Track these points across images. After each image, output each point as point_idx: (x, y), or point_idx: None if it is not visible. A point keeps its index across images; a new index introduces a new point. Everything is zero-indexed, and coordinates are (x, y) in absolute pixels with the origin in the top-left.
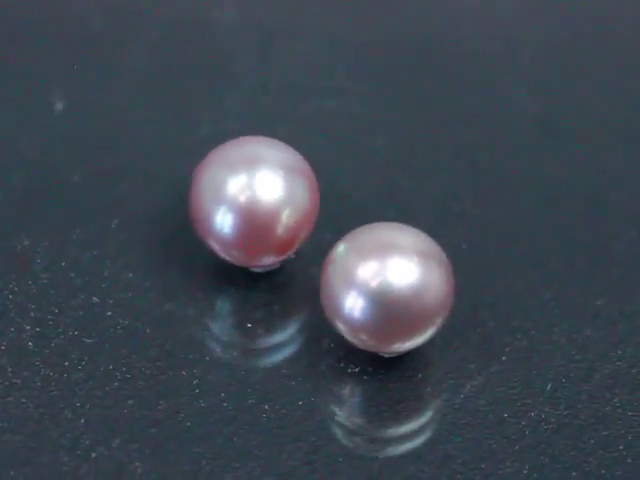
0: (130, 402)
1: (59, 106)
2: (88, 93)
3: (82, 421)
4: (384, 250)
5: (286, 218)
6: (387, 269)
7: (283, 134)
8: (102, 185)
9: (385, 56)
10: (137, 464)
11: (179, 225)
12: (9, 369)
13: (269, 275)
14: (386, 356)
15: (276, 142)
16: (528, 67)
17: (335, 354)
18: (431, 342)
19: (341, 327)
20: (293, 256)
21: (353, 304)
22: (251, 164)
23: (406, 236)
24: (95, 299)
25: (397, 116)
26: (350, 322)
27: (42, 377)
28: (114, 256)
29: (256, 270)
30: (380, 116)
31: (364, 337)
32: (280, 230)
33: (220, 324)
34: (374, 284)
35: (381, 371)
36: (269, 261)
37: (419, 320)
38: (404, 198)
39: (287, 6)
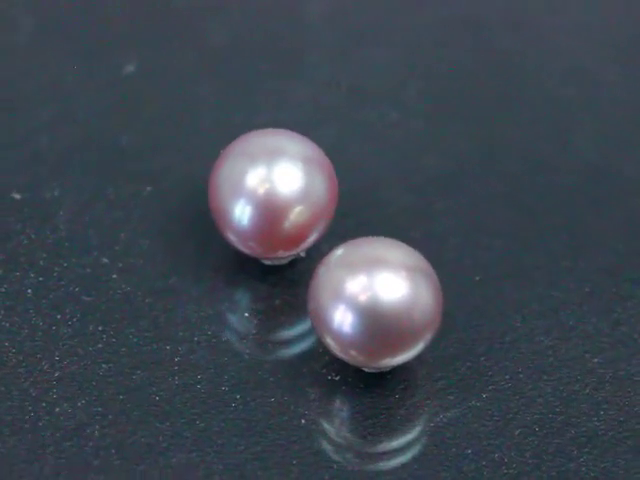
0: (107, 366)
1: (129, 68)
2: (159, 62)
3: (56, 375)
4: (373, 265)
5: (303, 211)
6: (376, 284)
7: (334, 135)
8: (146, 152)
9: (458, 79)
10: (96, 427)
11: (206, 207)
12: (2, 311)
13: (280, 269)
14: (367, 370)
15: (296, 135)
16: (599, 116)
17: (321, 360)
18: (419, 361)
19: (330, 343)
20: (303, 254)
21: (342, 320)
22: (270, 156)
23: (395, 251)
24: (105, 260)
25: (452, 139)
26: (340, 338)
27: (31, 325)
28: (135, 222)
29: (267, 262)
30: (436, 136)
31: (354, 353)
32: (297, 223)
33: (218, 309)
34: (363, 299)
35: (360, 385)
36: (285, 254)
37: (409, 335)
38: (434, 220)
39: (376, 13)
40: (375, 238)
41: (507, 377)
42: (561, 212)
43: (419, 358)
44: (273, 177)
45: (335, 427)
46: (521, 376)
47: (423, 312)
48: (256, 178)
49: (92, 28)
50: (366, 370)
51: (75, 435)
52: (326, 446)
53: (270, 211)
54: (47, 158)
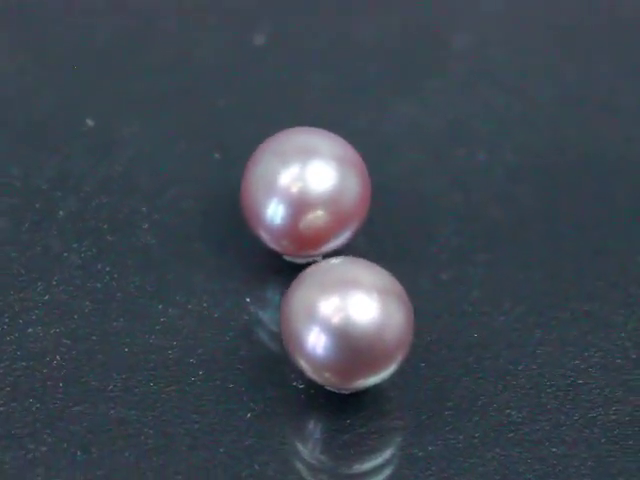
0: (94, 305)
1: (259, 40)
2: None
3: (45, 297)
4: (345, 286)
5: (336, 210)
6: (349, 305)
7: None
8: (229, 121)
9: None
10: (57, 358)
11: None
12: (27, 225)
13: (298, 267)
14: (340, 392)
15: (329, 133)
16: None
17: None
18: (391, 382)
19: (304, 365)
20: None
21: (316, 341)
22: (304, 155)
23: (367, 273)
24: (144, 208)
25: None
26: (313, 360)
27: (46, 245)
28: (187, 184)
29: (298, 261)
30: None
31: (327, 375)
32: (330, 222)
33: (225, 286)
34: (336, 320)
35: (333, 406)
36: (317, 252)
37: (381, 357)
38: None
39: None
40: (348, 259)
41: (482, 397)
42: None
43: (391, 379)
44: (306, 176)
45: (308, 448)
46: (494, 396)
47: (395, 333)
48: (289, 177)
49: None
50: (339, 392)
51: (33, 359)
52: (300, 467)
53: (303, 210)
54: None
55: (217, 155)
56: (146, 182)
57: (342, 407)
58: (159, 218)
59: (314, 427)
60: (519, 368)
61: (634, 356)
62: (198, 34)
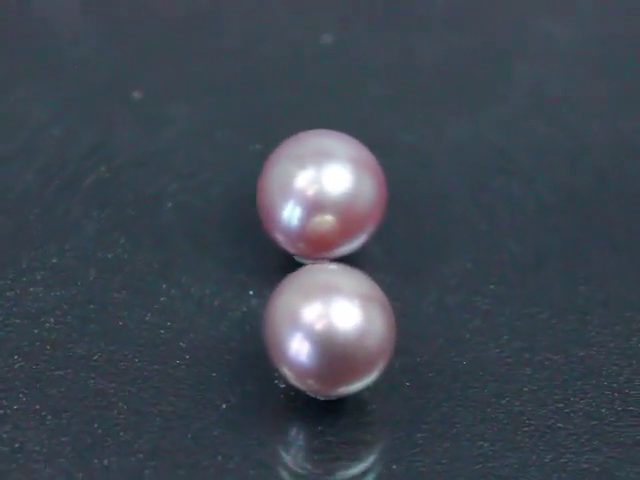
0: (98, 275)
1: (327, 39)
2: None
3: (53, 261)
4: (327, 293)
5: (353, 214)
6: (331, 312)
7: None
8: (277, 116)
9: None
10: (51, 320)
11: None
12: (53, 185)
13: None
14: (322, 399)
15: (345, 136)
16: None
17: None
18: (373, 389)
19: (287, 372)
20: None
21: (299, 349)
22: (320, 158)
23: (349, 279)
24: (170, 188)
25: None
26: (296, 367)
27: (66, 208)
28: (215, 173)
29: (297, 259)
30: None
31: (310, 382)
32: (347, 225)
33: (230, 279)
34: (319, 327)
35: (315, 413)
36: (334, 254)
37: (363, 364)
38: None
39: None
40: (331, 264)
41: (457, 425)
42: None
43: (374, 386)
44: (322, 178)
45: (291, 455)
46: (470, 426)
47: (376, 340)
48: (305, 180)
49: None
50: (321, 398)
51: (28, 318)
52: (262, 463)
53: (319, 213)
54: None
55: (258, 146)
56: (180, 163)
57: (319, 413)
58: (184, 200)
59: (286, 428)
60: (502, 402)
61: (619, 408)
62: (265, 27)
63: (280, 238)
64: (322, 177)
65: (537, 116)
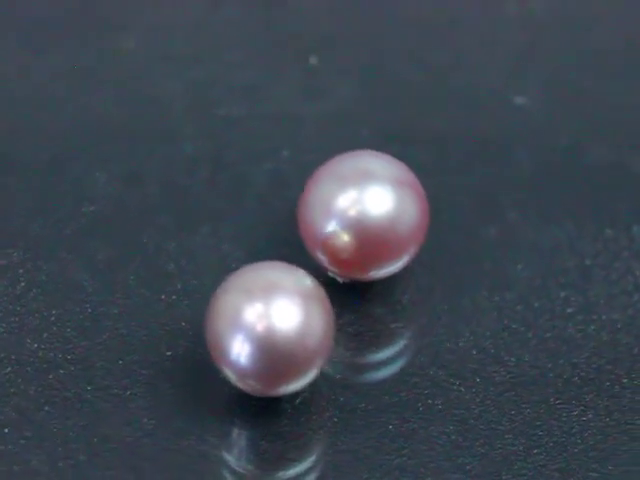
0: (104, 257)
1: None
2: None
3: (65, 231)
4: (268, 291)
5: (396, 232)
6: (272, 312)
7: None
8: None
9: None
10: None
11: None
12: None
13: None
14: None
15: (387, 156)
16: None
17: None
18: (313, 387)
19: (229, 374)
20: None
21: (240, 350)
22: (361, 178)
23: (288, 276)
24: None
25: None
26: (237, 368)
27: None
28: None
29: (345, 281)
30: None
31: (252, 382)
32: (390, 245)
33: None
34: (260, 328)
35: (256, 412)
36: (376, 274)
37: (303, 363)
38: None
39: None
40: (270, 263)
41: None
42: None
43: (314, 384)
44: (364, 199)
45: (234, 455)
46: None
47: (316, 338)
48: (346, 201)
49: None
50: (262, 396)
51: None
52: (226, 474)
53: (362, 234)
54: None
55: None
56: (235, 157)
57: (265, 413)
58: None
59: (229, 428)
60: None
61: None
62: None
63: (321, 257)
64: (364, 198)
65: None
